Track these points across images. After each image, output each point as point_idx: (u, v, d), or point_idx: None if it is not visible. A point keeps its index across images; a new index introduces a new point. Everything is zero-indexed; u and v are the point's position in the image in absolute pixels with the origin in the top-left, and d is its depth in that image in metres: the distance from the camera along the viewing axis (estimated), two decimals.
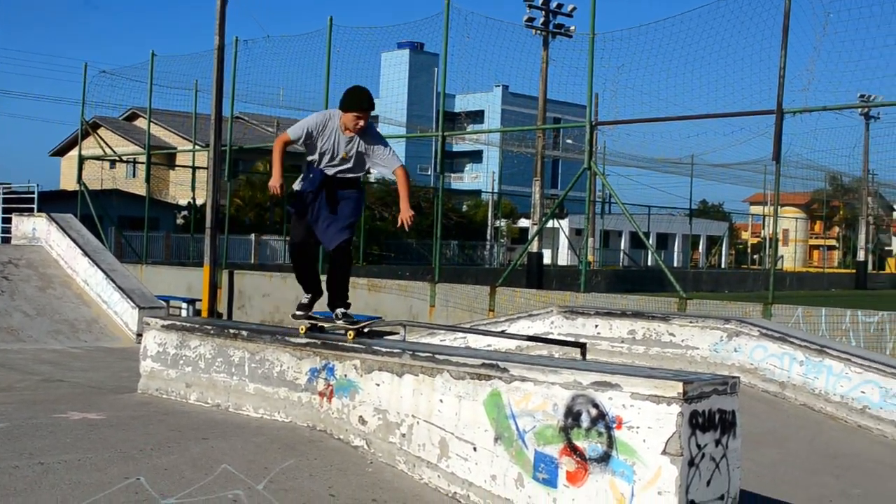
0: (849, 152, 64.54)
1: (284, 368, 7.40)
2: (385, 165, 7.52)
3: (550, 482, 5.50)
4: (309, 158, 7.57)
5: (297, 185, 7.68)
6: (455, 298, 19.42)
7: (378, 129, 7.74)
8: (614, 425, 5.26)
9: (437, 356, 6.32)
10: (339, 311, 7.56)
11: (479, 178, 73.30)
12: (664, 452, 5.05)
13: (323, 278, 7.79)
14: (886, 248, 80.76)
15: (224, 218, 28.69)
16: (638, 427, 5.17)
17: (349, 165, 7.46)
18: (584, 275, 20.75)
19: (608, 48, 20.76)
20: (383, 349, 6.73)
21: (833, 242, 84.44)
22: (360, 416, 6.75)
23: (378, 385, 6.66)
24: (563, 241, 55.51)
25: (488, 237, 59.07)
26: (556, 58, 35.84)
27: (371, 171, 8.05)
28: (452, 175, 76.02)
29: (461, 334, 12.00)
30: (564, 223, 55.71)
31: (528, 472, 5.62)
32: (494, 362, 5.98)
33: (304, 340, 7.37)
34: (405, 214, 7.39)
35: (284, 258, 43.47)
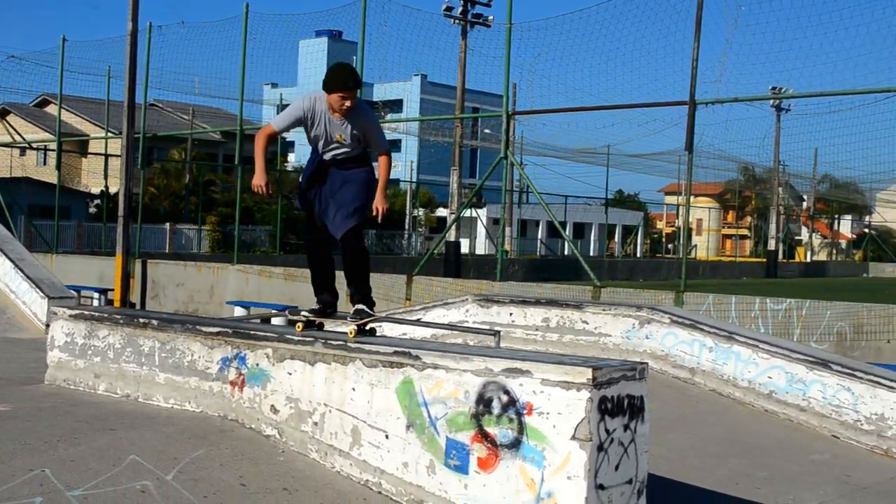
0: (759, 143, 65.88)
1: (195, 358, 7.32)
2: (371, 149, 7.07)
3: (462, 469, 5.53)
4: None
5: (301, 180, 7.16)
6: (372, 287, 19.36)
7: (368, 107, 7.14)
8: (525, 411, 5.30)
9: (349, 344, 6.31)
10: (359, 306, 7.05)
11: (398, 167, 73.17)
12: (573, 438, 5.11)
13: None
14: (796, 238, 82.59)
15: (137, 206, 28.23)
16: (548, 413, 5.22)
17: (346, 149, 6.96)
18: (500, 263, 20.85)
19: (525, 38, 20.91)
20: (295, 337, 6.69)
21: (745, 232, 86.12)
22: (272, 406, 6.71)
23: (290, 374, 6.63)
24: (481, 231, 55.81)
25: (406, 226, 59.07)
26: (474, 47, 36.01)
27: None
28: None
29: (376, 323, 11.97)
30: (482, 213, 56.00)
31: (440, 459, 5.64)
32: (407, 350, 5.99)
33: (215, 329, 7.29)
34: (380, 204, 6.98)
35: (199, 247, 43.04)
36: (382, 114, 57.81)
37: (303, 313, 7.24)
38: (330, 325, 7.60)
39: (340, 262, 7.32)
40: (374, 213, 6.99)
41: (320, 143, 6.95)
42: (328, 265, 7.34)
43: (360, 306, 7.05)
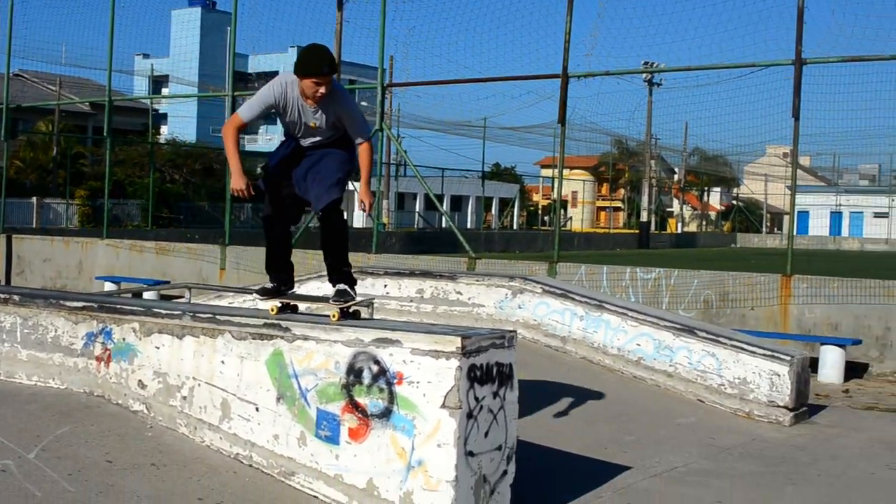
0: (630, 116, 67.17)
1: (59, 333, 7.13)
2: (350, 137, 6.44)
3: (333, 439, 5.53)
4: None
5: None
6: (246, 261, 19.13)
7: (345, 91, 6.48)
8: (395, 381, 5.33)
9: (218, 317, 6.24)
10: (340, 286, 6.43)
11: (274, 139, 72.38)
12: (443, 406, 5.16)
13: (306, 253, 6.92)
14: (668, 210, 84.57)
15: (2, 180, 27.29)
16: (418, 382, 5.25)
17: (321, 137, 6.39)
18: (375, 236, 20.81)
19: (401, 10, 21.00)
20: (163, 311, 6.58)
21: (619, 204, 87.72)
22: (140, 380, 6.59)
23: (158, 348, 6.51)
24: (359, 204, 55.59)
25: None
26: (351, 19, 35.76)
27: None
28: (246, 137, 74.80)
29: (250, 296, 11.84)
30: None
31: (311, 430, 5.63)
32: (276, 322, 5.96)
33: (79, 304, 7.11)
34: (366, 198, 6.42)
35: (67, 222, 41.89)
36: (257, 85, 57.04)
37: (255, 295, 6.88)
38: (320, 309, 7.20)
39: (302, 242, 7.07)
40: (361, 208, 6.49)
41: (295, 131, 6.42)
42: (287, 244, 6.92)
43: (342, 286, 6.44)
